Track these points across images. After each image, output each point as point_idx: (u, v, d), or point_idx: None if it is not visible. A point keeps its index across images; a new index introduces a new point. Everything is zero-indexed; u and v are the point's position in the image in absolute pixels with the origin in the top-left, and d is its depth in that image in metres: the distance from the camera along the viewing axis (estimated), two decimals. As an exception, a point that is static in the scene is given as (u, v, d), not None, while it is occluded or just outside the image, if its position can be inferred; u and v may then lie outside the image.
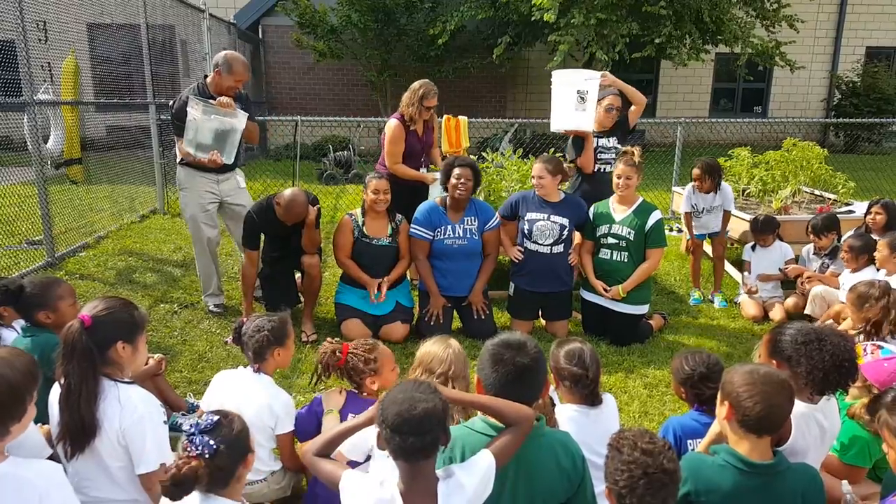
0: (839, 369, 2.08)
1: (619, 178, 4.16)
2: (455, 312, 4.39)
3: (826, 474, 2.30)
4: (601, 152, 4.80)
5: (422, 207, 4.36)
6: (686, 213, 5.20)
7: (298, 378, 3.68)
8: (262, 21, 13.44)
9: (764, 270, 4.95)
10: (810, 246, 4.96)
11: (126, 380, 2.11)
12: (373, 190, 4.22)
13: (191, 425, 1.80)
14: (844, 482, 2.29)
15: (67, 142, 7.22)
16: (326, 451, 1.96)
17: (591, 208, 4.35)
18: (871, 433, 2.36)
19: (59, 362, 2.01)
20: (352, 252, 4.33)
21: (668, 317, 4.69)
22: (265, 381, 2.52)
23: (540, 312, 4.45)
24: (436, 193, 4.59)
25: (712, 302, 5.08)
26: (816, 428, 2.13)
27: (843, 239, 4.63)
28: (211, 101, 4.17)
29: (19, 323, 2.82)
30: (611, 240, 4.23)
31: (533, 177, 4.30)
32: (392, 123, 4.67)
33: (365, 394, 2.55)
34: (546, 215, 4.23)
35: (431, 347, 2.49)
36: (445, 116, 5.48)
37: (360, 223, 4.31)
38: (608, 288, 4.22)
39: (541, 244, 4.23)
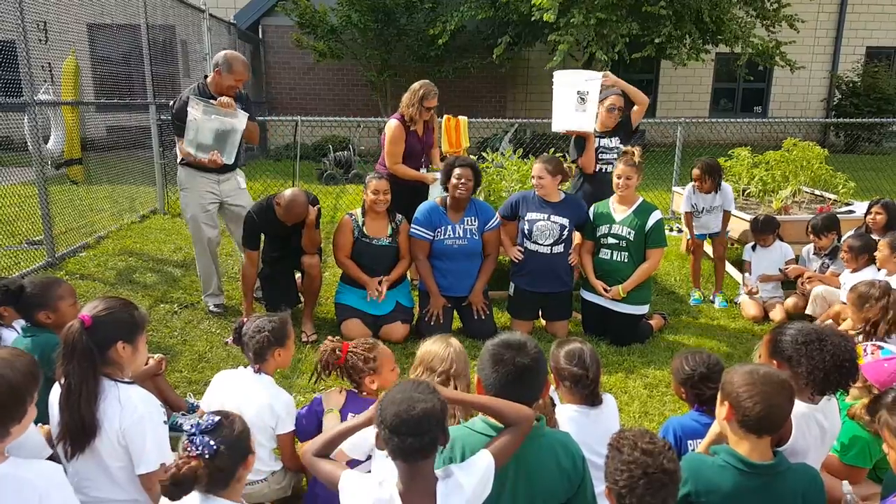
0: (840, 369, 2.08)
1: (619, 178, 4.16)
2: (455, 312, 4.39)
3: (826, 475, 2.30)
4: (603, 152, 4.80)
5: (422, 207, 4.36)
6: (686, 212, 5.20)
7: (298, 378, 3.68)
8: (262, 21, 13.44)
9: (764, 270, 4.94)
10: (810, 246, 4.96)
11: (126, 380, 2.11)
12: (373, 190, 4.22)
13: (191, 425, 1.80)
14: (845, 482, 2.29)
15: (68, 142, 7.23)
16: (326, 452, 1.96)
17: (592, 208, 4.35)
18: (871, 433, 2.36)
19: (60, 362, 2.01)
20: (352, 252, 4.33)
21: (669, 317, 4.69)
22: (266, 381, 2.52)
23: (540, 312, 4.45)
24: (436, 193, 4.59)
25: (713, 302, 5.08)
26: (817, 428, 2.13)
27: (843, 239, 4.62)
28: (211, 101, 4.17)
29: (19, 323, 2.82)
30: (611, 240, 4.23)
31: (533, 177, 4.30)
32: (392, 124, 4.68)
33: (364, 393, 2.55)
34: (546, 215, 4.23)
35: (432, 346, 2.49)
36: (445, 116, 5.48)
37: (360, 223, 4.31)
38: (608, 288, 4.22)
39: (541, 244, 4.23)
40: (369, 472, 2.19)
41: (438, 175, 4.47)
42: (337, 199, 8.63)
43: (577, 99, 4.47)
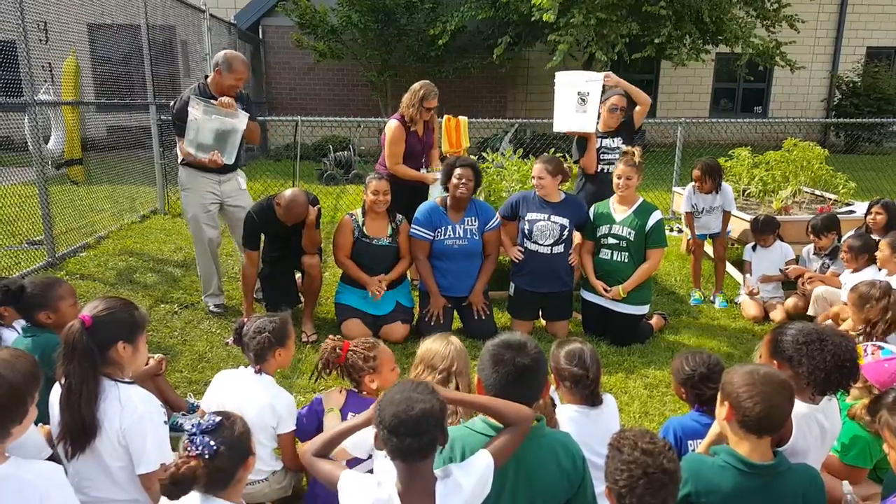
0: (841, 369, 2.07)
1: (619, 178, 4.16)
2: (455, 313, 4.39)
3: (827, 475, 2.30)
4: (604, 153, 4.80)
5: (422, 208, 4.36)
6: (687, 212, 5.20)
7: (298, 378, 3.68)
8: (262, 21, 13.44)
9: (764, 271, 4.94)
10: (811, 246, 4.96)
11: (126, 380, 2.11)
12: (372, 191, 4.22)
13: (192, 425, 1.80)
14: (845, 483, 2.29)
15: (68, 142, 7.23)
16: (325, 452, 1.96)
17: (592, 208, 4.36)
18: (871, 434, 2.36)
19: (60, 362, 2.01)
20: (352, 252, 4.33)
21: (669, 317, 4.69)
22: (266, 381, 2.52)
23: (540, 313, 4.45)
24: (436, 193, 4.59)
25: (713, 302, 5.08)
26: (817, 428, 2.13)
27: (843, 239, 4.62)
28: (212, 101, 4.17)
29: (20, 323, 2.82)
30: (611, 240, 4.23)
31: (533, 177, 4.30)
32: (392, 124, 4.68)
33: (364, 393, 2.55)
34: (546, 215, 4.23)
35: (432, 345, 2.49)
36: (446, 116, 5.48)
37: (361, 223, 4.31)
38: (608, 288, 4.22)
39: (541, 244, 4.23)
40: (371, 470, 2.19)
41: (438, 175, 4.47)
42: (337, 200, 8.63)
43: (578, 100, 4.48)
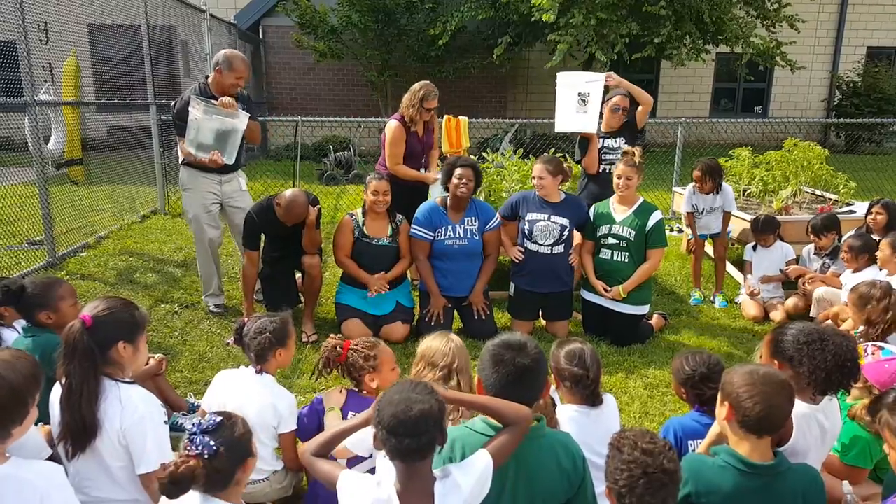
0: (841, 369, 2.08)
1: (619, 178, 4.16)
2: (455, 313, 4.38)
3: (827, 475, 2.30)
4: (606, 153, 4.80)
5: (422, 208, 4.36)
6: (688, 213, 5.20)
7: (299, 378, 3.68)
8: (262, 21, 13.44)
9: (765, 271, 4.94)
10: (811, 246, 4.96)
11: (127, 380, 2.11)
12: (373, 191, 4.22)
13: (193, 424, 1.80)
14: (845, 483, 2.29)
15: (68, 142, 7.22)
16: (324, 452, 1.96)
17: (592, 208, 4.36)
18: (872, 434, 2.36)
19: (61, 362, 2.01)
20: (352, 252, 4.33)
21: (669, 317, 4.68)
22: (268, 381, 2.52)
23: (540, 313, 4.45)
24: (436, 193, 4.59)
25: (713, 302, 5.08)
26: (817, 428, 2.13)
27: (843, 239, 4.62)
28: (213, 101, 4.17)
29: (20, 323, 2.82)
30: (611, 240, 4.23)
31: (533, 177, 4.30)
32: (392, 125, 4.68)
33: (365, 392, 2.55)
34: (546, 216, 4.23)
35: (432, 342, 2.50)
36: (446, 117, 5.48)
37: (361, 223, 4.32)
38: (609, 288, 4.22)
39: (541, 244, 4.23)
40: (373, 469, 2.19)
41: (439, 175, 4.47)
42: (337, 200, 8.63)
43: (578, 101, 4.49)
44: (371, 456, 2.31)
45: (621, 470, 1.68)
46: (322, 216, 4.44)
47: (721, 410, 1.95)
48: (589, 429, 2.26)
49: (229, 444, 1.77)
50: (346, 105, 13.94)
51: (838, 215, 5.00)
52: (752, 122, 11.37)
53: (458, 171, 4.18)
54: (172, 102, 4.47)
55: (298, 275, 4.57)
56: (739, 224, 5.38)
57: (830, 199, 6.10)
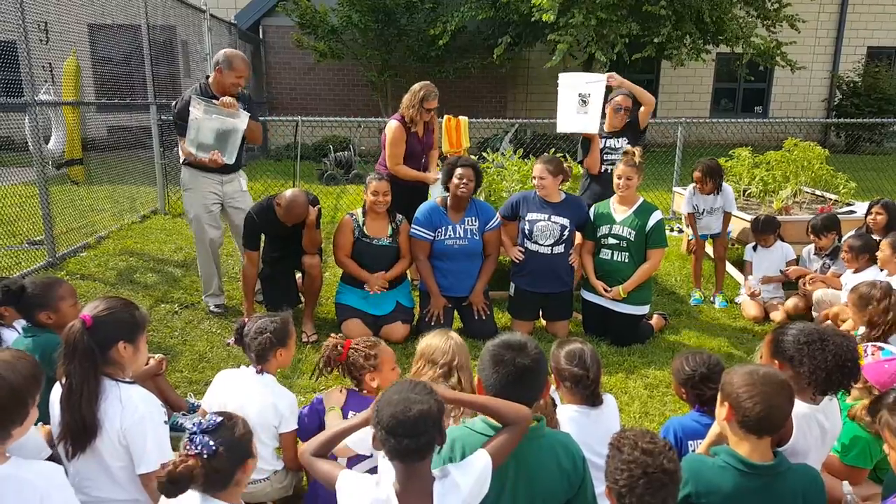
0: (842, 369, 2.07)
1: (619, 178, 4.16)
2: (456, 313, 4.39)
3: (827, 475, 2.30)
4: (608, 153, 4.80)
5: (422, 208, 4.37)
6: (688, 213, 5.20)
7: (299, 378, 3.68)
8: (262, 21, 13.44)
9: (765, 271, 4.94)
10: (811, 246, 4.96)
11: (127, 380, 2.11)
12: (373, 191, 4.22)
13: (193, 424, 1.80)
14: (845, 483, 2.29)
15: (68, 142, 7.22)
16: (323, 452, 1.96)
17: (592, 209, 4.36)
18: (872, 434, 2.36)
19: (61, 362, 2.01)
20: (352, 252, 4.33)
21: (669, 317, 4.68)
22: (268, 381, 2.52)
23: (540, 313, 4.45)
24: (436, 193, 4.59)
25: (713, 302, 5.08)
26: (817, 428, 2.13)
27: (843, 239, 4.62)
28: (214, 100, 4.17)
29: (20, 323, 2.82)
30: (611, 240, 4.23)
31: (534, 177, 4.30)
32: (392, 125, 4.68)
33: (365, 391, 2.55)
34: (547, 216, 4.23)
35: (432, 340, 2.50)
36: (446, 117, 5.48)
37: (361, 223, 4.32)
38: (609, 288, 4.22)
39: (541, 244, 4.23)
40: (375, 467, 2.19)
41: (439, 175, 4.48)
42: (337, 200, 8.63)
43: (579, 101, 4.50)
44: (372, 455, 2.32)
45: (621, 470, 1.68)
46: (322, 216, 4.44)
47: (721, 411, 1.95)
48: (589, 429, 2.26)
49: (229, 444, 1.77)
50: (346, 105, 13.95)
51: (838, 215, 5.00)
52: (753, 122, 11.38)
53: (458, 171, 4.18)
54: (173, 102, 4.48)
55: (298, 275, 4.57)
56: (739, 224, 5.38)
57: (830, 200, 6.10)
